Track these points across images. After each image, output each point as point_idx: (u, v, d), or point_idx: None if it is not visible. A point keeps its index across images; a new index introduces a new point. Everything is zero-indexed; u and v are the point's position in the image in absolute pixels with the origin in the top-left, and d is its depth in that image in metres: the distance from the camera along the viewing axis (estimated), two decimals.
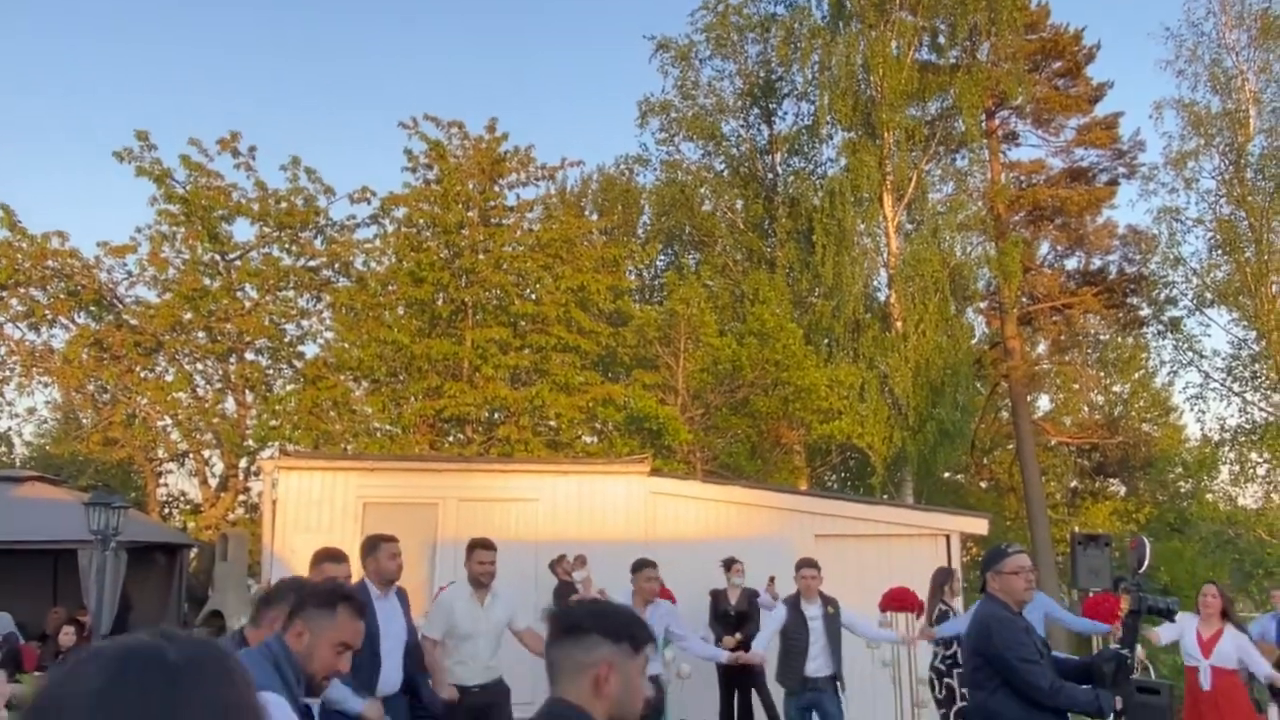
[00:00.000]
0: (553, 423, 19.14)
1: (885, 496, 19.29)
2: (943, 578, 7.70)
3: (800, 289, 22.60)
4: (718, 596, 9.55)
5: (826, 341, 21.82)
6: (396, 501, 10.83)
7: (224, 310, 17.79)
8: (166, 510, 19.91)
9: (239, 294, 18.46)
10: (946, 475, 25.07)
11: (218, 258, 18.24)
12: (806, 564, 6.89)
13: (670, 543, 11.08)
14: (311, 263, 18.83)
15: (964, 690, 6.36)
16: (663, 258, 26.21)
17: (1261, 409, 22.40)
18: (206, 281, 17.89)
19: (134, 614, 11.31)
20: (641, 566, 6.42)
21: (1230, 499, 23.41)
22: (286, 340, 19.08)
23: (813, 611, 6.72)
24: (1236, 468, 22.55)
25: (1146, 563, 3.63)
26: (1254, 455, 22.22)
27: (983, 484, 28.20)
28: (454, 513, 10.89)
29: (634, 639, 1.86)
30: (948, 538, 11.55)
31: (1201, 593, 6.74)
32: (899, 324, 21.38)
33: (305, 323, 19.47)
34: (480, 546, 5.58)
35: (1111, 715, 3.72)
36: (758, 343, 18.76)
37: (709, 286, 22.49)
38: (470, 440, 18.62)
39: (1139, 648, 6.76)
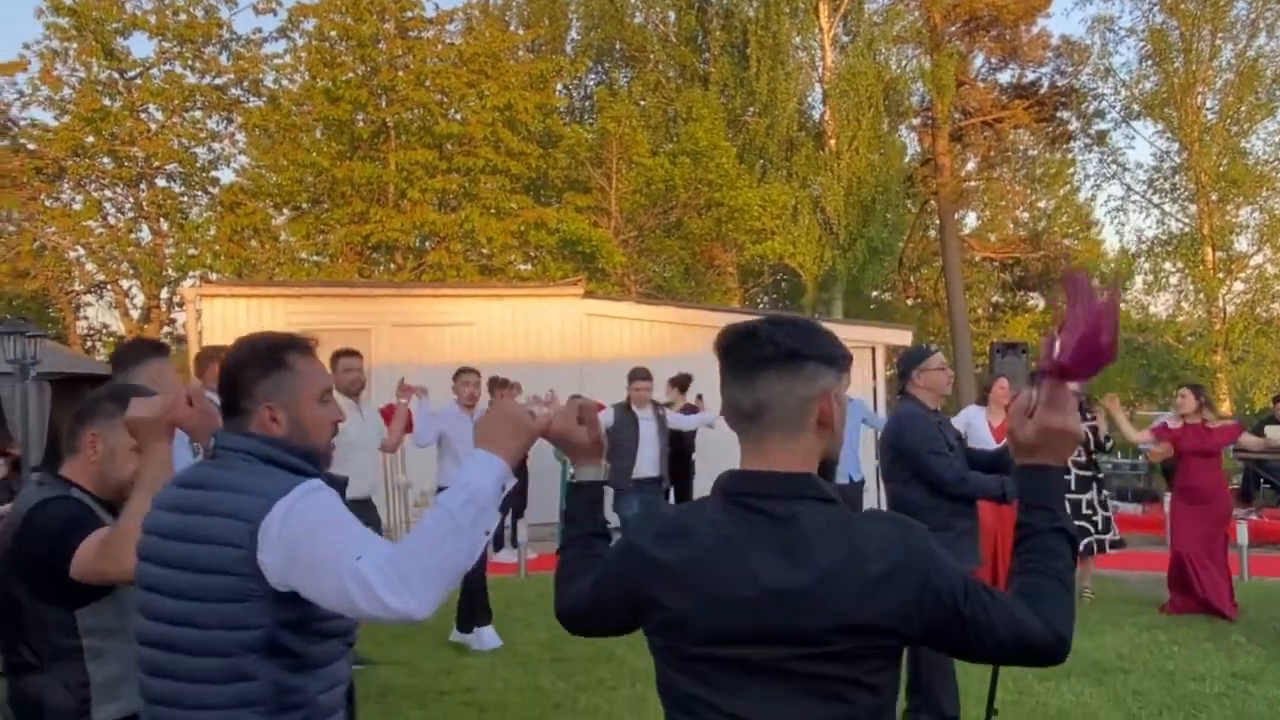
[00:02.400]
0: (485, 249, 18.90)
1: (815, 315, 19.69)
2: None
3: (734, 107, 22.10)
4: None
5: (760, 161, 21.59)
6: (327, 328, 10.64)
7: (128, 133, 16.83)
8: (89, 344, 19.45)
9: (143, 115, 17.44)
10: (875, 293, 25.60)
11: (116, 76, 17.08)
12: (638, 375, 7.23)
13: (606, 363, 11.23)
14: (218, 80, 17.77)
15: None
16: (592, 75, 25.25)
17: (1178, 220, 23.09)
18: (106, 102, 16.82)
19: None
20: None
21: (1142, 308, 24.44)
22: (199, 165, 18.22)
23: (645, 414, 7.18)
24: (1150, 277, 23.45)
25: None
26: (1167, 265, 23.08)
27: (909, 301, 28.89)
28: (387, 338, 10.84)
29: None
30: (873, 350, 11.92)
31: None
32: (832, 142, 21.19)
33: (217, 146, 18.59)
34: (344, 355, 5.42)
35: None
36: (691, 162, 18.48)
37: (641, 105, 21.86)
38: (401, 267, 18.33)
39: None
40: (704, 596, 1.38)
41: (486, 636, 6.06)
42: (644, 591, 1.45)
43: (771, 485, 1.40)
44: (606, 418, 7.03)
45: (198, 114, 18.21)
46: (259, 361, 1.75)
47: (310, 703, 1.67)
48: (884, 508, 4.35)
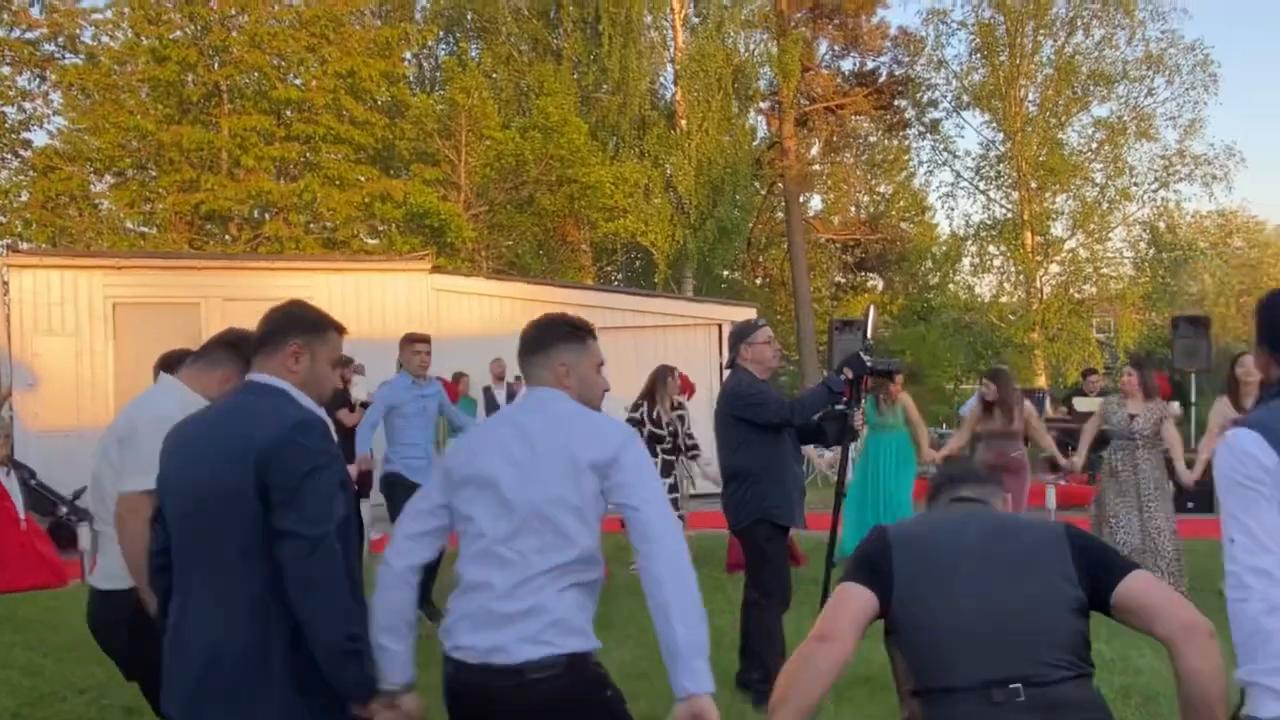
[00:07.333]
0: (327, 221, 18.21)
1: (667, 293, 19.95)
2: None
3: (586, 83, 22.04)
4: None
5: (613, 139, 21.63)
6: (152, 302, 10.13)
7: None
8: None
9: None
10: (725, 272, 26.15)
11: None
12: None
13: (455, 338, 11.07)
14: (29, 34, 16.38)
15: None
16: (443, 47, 24.67)
17: (1002, 206, 24.60)
18: None
19: None
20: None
21: (969, 289, 25.97)
22: (8, 125, 16.77)
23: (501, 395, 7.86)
24: (977, 260, 24.94)
25: (870, 329, 3.97)
26: (992, 248, 24.59)
27: (757, 280, 29.66)
28: (218, 313, 10.31)
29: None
30: (719, 327, 12.20)
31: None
32: (683, 122, 21.46)
33: (29, 105, 17.13)
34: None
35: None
36: (542, 137, 18.32)
37: (492, 77, 21.50)
38: (236, 239, 17.45)
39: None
40: None
41: None
42: None
43: None
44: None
45: (5, 70, 16.75)
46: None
47: None
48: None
